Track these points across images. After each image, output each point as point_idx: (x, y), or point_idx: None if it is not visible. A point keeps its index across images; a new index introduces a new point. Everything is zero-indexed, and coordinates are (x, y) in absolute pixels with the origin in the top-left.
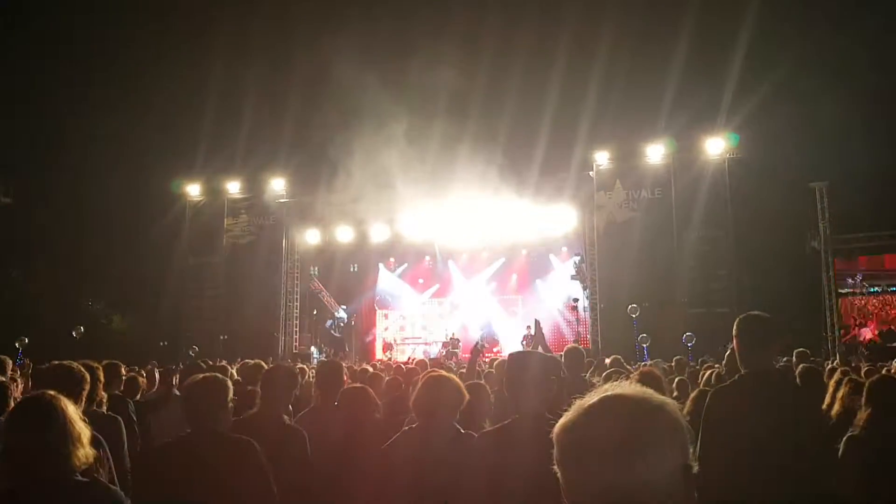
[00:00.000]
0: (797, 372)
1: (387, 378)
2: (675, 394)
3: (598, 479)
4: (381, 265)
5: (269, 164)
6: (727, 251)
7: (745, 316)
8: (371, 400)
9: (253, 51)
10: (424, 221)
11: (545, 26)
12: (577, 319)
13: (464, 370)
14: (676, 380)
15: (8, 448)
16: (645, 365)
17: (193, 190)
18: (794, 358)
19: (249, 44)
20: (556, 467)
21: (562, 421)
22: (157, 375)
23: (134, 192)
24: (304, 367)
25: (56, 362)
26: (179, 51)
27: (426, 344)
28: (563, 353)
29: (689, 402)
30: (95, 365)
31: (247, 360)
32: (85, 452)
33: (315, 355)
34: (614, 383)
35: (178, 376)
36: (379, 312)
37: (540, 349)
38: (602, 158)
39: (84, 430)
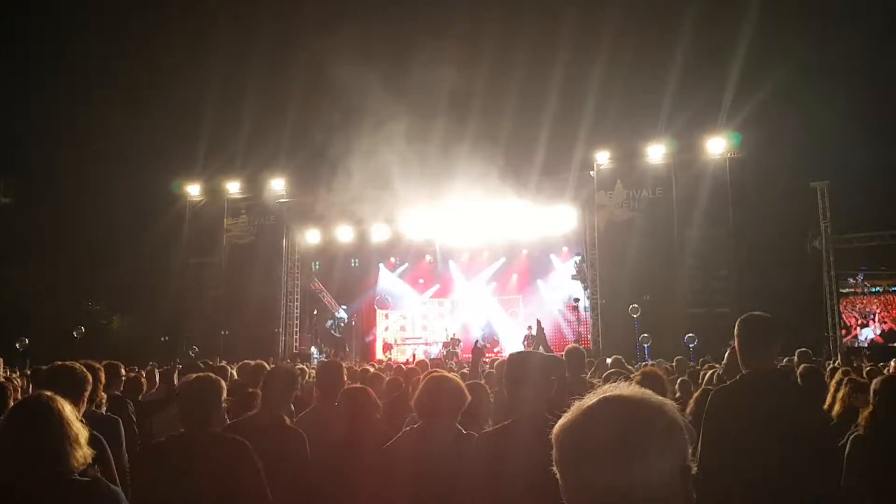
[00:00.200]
0: (798, 372)
1: (387, 378)
2: (677, 394)
3: (597, 480)
4: (381, 265)
5: (269, 164)
6: (728, 251)
7: (746, 316)
8: (371, 400)
9: (253, 51)
10: (425, 221)
11: (546, 26)
12: (578, 319)
13: (465, 370)
14: (679, 380)
15: (6, 449)
16: (646, 365)
17: (193, 190)
18: (795, 358)
19: (249, 44)
20: (554, 468)
21: (561, 422)
22: (157, 376)
23: (134, 193)
24: (305, 367)
25: (58, 363)
26: (180, 51)
27: (426, 344)
28: (563, 354)
29: (691, 403)
30: (96, 365)
31: (247, 361)
32: (83, 452)
33: (315, 355)
34: (613, 384)
35: (176, 376)
36: (379, 312)
37: (541, 349)
38: (603, 158)
39: (81, 431)
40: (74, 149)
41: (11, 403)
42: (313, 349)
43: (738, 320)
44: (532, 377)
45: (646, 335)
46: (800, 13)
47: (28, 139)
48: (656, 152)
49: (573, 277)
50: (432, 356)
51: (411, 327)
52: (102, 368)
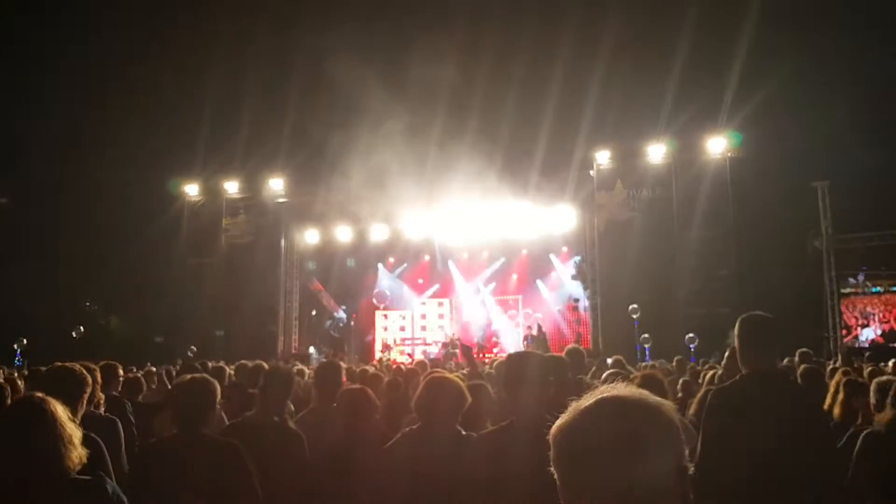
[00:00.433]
0: (799, 372)
1: (386, 379)
2: (679, 395)
3: (595, 480)
4: (380, 265)
5: (267, 164)
6: (728, 251)
7: (746, 316)
8: (370, 401)
9: (251, 50)
10: (424, 221)
11: (546, 25)
12: (578, 319)
13: (464, 371)
14: (681, 380)
15: (0, 450)
16: (646, 366)
17: (192, 190)
18: (796, 358)
19: (248, 43)
20: (552, 468)
21: (558, 422)
22: (155, 376)
23: (132, 193)
24: (304, 367)
25: (58, 364)
26: (178, 50)
27: (426, 344)
28: (563, 354)
29: (694, 404)
30: (93, 366)
31: (244, 361)
32: (78, 453)
33: (314, 355)
34: (611, 385)
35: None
36: (378, 313)
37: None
38: (603, 157)
39: (75, 431)
40: (74, 149)
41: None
42: (312, 349)
43: (739, 320)
44: (531, 378)
45: (646, 336)
46: (800, 13)
47: (28, 139)
48: (656, 152)
49: (573, 277)
50: (431, 356)
51: (410, 327)
52: (99, 369)
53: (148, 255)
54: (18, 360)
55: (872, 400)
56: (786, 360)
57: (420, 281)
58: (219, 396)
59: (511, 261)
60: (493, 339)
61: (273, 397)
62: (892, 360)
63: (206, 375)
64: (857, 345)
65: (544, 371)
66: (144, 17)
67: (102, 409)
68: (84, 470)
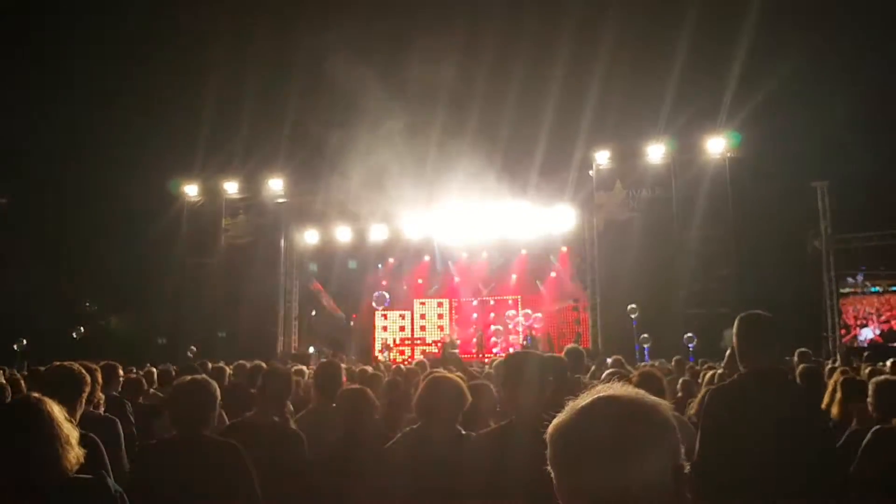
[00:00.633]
0: (798, 372)
1: (386, 379)
2: (678, 394)
3: (591, 479)
4: (379, 265)
5: (267, 164)
6: (728, 251)
7: (745, 315)
8: (369, 401)
9: (251, 51)
10: (423, 221)
11: (545, 25)
12: (577, 319)
13: (473, 369)
14: (681, 380)
15: None
16: (646, 365)
17: (191, 190)
18: (795, 358)
19: (247, 44)
20: (549, 468)
21: (555, 422)
22: (155, 377)
23: (132, 193)
24: (303, 367)
25: (57, 364)
26: (177, 51)
27: (425, 345)
28: (563, 354)
29: (695, 404)
30: (94, 366)
31: (242, 362)
32: (75, 453)
33: (314, 356)
34: (607, 384)
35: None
36: (378, 313)
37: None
38: (602, 158)
39: (72, 432)
40: (74, 149)
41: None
42: (312, 349)
43: (737, 319)
44: (530, 377)
45: (646, 335)
46: (800, 13)
47: (28, 139)
48: (656, 152)
49: (572, 278)
50: (431, 357)
51: (410, 328)
52: (99, 369)
53: (148, 255)
54: (18, 361)
55: (871, 400)
56: (785, 360)
57: (419, 281)
58: (219, 397)
59: (510, 261)
60: (493, 339)
61: (272, 397)
62: (891, 360)
63: (205, 376)
64: (856, 344)
65: (543, 371)
66: (145, 18)
67: (102, 410)
68: (83, 469)
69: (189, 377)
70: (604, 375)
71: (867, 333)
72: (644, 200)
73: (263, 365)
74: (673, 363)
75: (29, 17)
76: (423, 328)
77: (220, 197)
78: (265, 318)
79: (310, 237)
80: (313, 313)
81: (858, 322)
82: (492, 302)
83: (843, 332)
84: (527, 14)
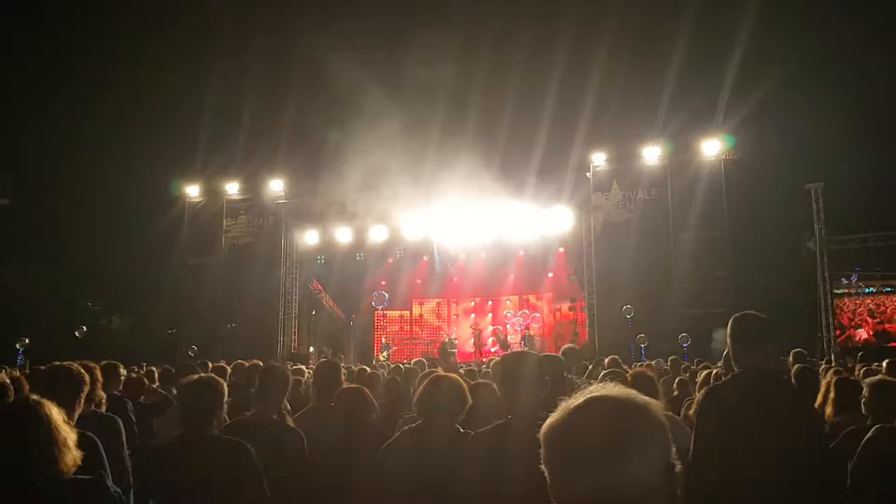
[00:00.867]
0: (792, 372)
1: (385, 378)
2: (675, 393)
3: (584, 478)
4: (379, 266)
5: (267, 165)
6: (723, 252)
7: (738, 315)
8: (367, 400)
9: (251, 52)
10: (423, 222)
11: (542, 28)
12: (575, 320)
13: (471, 367)
14: (677, 380)
15: None
16: (642, 365)
17: (192, 191)
18: (790, 358)
19: (248, 45)
20: (542, 466)
21: (548, 421)
22: (156, 376)
23: (133, 193)
24: (303, 367)
25: (56, 363)
26: (178, 51)
27: (424, 345)
28: (560, 354)
29: (694, 404)
30: (93, 365)
31: (241, 361)
32: (73, 456)
33: (314, 355)
34: (600, 384)
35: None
36: (377, 313)
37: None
38: (599, 159)
39: (70, 434)
40: (74, 149)
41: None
42: (312, 349)
43: (731, 320)
44: (526, 377)
45: (642, 335)
46: (794, 16)
47: (28, 139)
48: (652, 154)
49: (570, 278)
50: (430, 357)
51: (409, 328)
52: (100, 368)
53: (149, 255)
54: (20, 361)
55: (865, 400)
56: (780, 360)
57: (418, 282)
58: (226, 396)
59: (508, 262)
60: (491, 339)
61: (270, 396)
62: (886, 361)
63: (212, 375)
64: (850, 345)
65: (540, 370)
66: (145, 20)
67: (104, 409)
68: (82, 469)
69: (196, 376)
70: (601, 376)
71: (861, 334)
72: (640, 202)
73: (261, 364)
74: (669, 363)
75: (30, 17)
76: (421, 328)
77: (221, 197)
78: (265, 318)
79: (310, 238)
80: (313, 313)
81: (852, 323)
82: (490, 302)
83: (837, 332)
84: (524, 17)
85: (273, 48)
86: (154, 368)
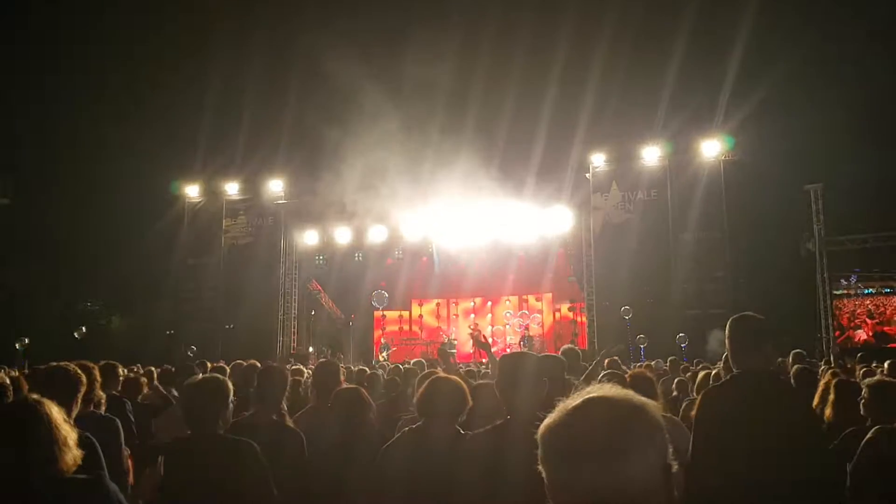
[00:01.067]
0: (791, 373)
1: (385, 379)
2: (674, 393)
3: (581, 478)
4: (379, 266)
5: (267, 165)
6: (722, 253)
7: (736, 317)
8: (364, 400)
9: (251, 53)
10: (422, 222)
11: (542, 29)
12: (574, 320)
13: (470, 368)
14: (676, 380)
15: None
16: (641, 366)
17: (192, 191)
18: (789, 359)
19: (248, 45)
20: (540, 467)
21: (546, 421)
22: (156, 376)
23: (133, 193)
24: (302, 367)
25: (53, 364)
26: (178, 52)
27: (424, 345)
28: (559, 355)
29: (696, 406)
30: (91, 365)
31: (239, 361)
32: (73, 455)
33: (314, 356)
34: (598, 385)
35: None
36: (377, 313)
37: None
38: (598, 160)
39: (70, 433)
40: (74, 149)
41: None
42: (311, 349)
43: (729, 321)
44: (525, 377)
45: (642, 336)
46: (794, 17)
47: (28, 139)
48: (651, 154)
49: (569, 279)
50: (429, 357)
51: (408, 328)
52: (98, 368)
53: (148, 255)
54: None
55: (865, 401)
56: (779, 361)
57: (418, 282)
58: (231, 395)
59: (508, 262)
60: (490, 339)
61: (269, 396)
62: (888, 362)
63: (217, 375)
64: (849, 346)
65: (538, 371)
66: (145, 19)
67: (103, 409)
68: (80, 470)
69: (201, 376)
70: (600, 377)
71: (860, 335)
72: (640, 202)
73: (258, 364)
74: (668, 363)
75: (30, 17)
76: (421, 328)
77: (221, 198)
78: (265, 319)
79: (310, 238)
80: (313, 313)
81: (852, 324)
82: (489, 303)
83: (836, 333)
84: (524, 16)
85: (273, 48)
86: (153, 368)
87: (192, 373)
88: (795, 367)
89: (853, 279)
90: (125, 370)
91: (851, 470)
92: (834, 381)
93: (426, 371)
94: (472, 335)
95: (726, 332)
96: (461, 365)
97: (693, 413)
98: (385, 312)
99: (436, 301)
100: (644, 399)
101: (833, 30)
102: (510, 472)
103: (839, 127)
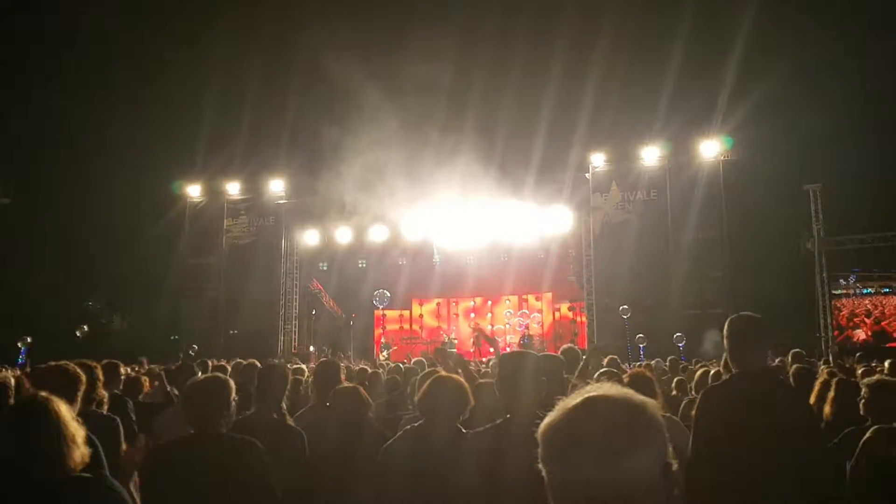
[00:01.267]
0: (790, 372)
1: (385, 378)
2: (674, 393)
3: (582, 477)
4: (379, 265)
5: (268, 165)
6: (722, 252)
7: (735, 316)
8: (363, 399)
9: (252, 52)
10: (423, 222)
11: (542, 30)
12: (573, 320)
13: (461, 370)
14: (676, 380)
15: (3, 451)
16: (640, 366)
17: (194, 191)
18: (788, 358)
19: (248, 45)
20: (540, 466)
21: (546, 420)
22: (157, 376)
23: (134, 193)
24: (302, 366)
25: (52, 363)
26: (179, 52)
27: (425, 344)
28: (559, 354)
29: (696, 407)
30: (92, 365)
31: (239, 360)
32: (81, 452)
33: (314, 355)
34: (597, 384)
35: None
36: (377, 313)
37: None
38: (598, 160)
39: (78, 431)
40: (74, 149)
41: (11, 402)
42: (312, 349)
43: (728, 321)
44: (524, 377)
45: (641, 335)
46: (793, 18)
47: (28, 139)
48: (651, 155)
49: (569, 278)
50: (429, 357)
51: (409, 328)
52: (100, 367)
53: (150, 255)
54: (21, 360)
55: (864, 400)
56: (777, 360)
57: (419, 282)
58: (233, 394)
59: (508, 262)
60: (490, 339)
61: (270, 395)
62: (888, 362)
63: (219, 374)
64: (848, 345)
65: (538, 370)
66: (145, 19)
67: (106, 408)
68: (83, 469)
69: (203, 375)
70: (595, 375)
71: (859, 334)
72: (639, 203)
73: (257, 363)
74: (668, 363)
75: (30, 17)
76: (421, 328)
77: (222, 198)
78: (266, 318)
79: (310, 238)
80: (314, 313)
81: (851, 323)
82: (489, 303)
83: (836, 333)
84: (524, 16)
85: (273, 48)
86: (155, 367)
87: (192, 372)
88: (794, 366)
89: (852, 279)
90: (127, 369)
91: (850, 470)
92: (835, 380)
93: (427, 370)
94: (474, 331)
95: (725, 331)
96: (472, 362)
97: (692, 412)
98: (385, 312)
99: (436, 301)
100: (644, 398)
101: (833, 30)
102: (511, 470)
103: (839, 127)
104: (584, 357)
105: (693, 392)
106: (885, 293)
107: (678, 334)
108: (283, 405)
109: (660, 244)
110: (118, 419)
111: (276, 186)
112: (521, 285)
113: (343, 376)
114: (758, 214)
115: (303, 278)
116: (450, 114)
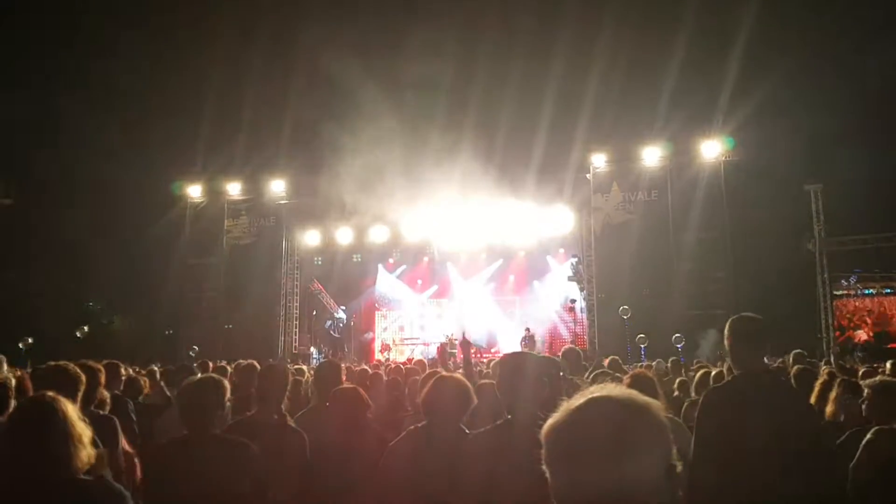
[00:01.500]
0: (792, 373)
1: (386, 378)
2: (675, 393)
3: (585, 477)
4: (380, 266)
5: (269, 166)
6: (723, 253)
7: (736, 317)
8: (362, 400)
9: (252, 52)
10: (423, 223)
11: (542, 29)
12: (574, 320)
13: (461, 370)
14: (677, 380)
15: (10, 450)
16: (642, 367)
17: (194, 191)
18: (790, 359)
19: (248, 45)
20: (544, 466)
21: (549, 421)
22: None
23: (135, 194)
24: (303, 367)
25: (52, 363)
26: (179, 52)
27: (425, 345)
28: (560, 354)
29: (697, 406)
30: (94, 365)
31: (239, 361)
32: (87, 453)
33: (315, 356)
34: (600, 385)
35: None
36: (378, 313)
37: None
38: (599, 161)
39: (85, 431)
40: (74, 149)
41: (12, 402)
42: (312, 349)
43: (729, 321)
44: (525, 377)
45: (642, 336)
46: (794, 18)
47: (28, 139)
48: (652, 155)
49: (570, 279)
50: (430, 357)
51: (409, 328)
52: (102, 368)
53: (150, 255)
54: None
55: (867, 401)
56: (779, 361)
57: (419, 282)
58: (228, 396)
59: (508, 262)
60: (491, 339)
61: (270, 396)
62: (889, 362)
63: (213, 375)
64: (849, 346)
65: (539, 371)
66: (145, 19)
67: (107, 408)
68: (93, 468)
69: (198, 376)
70: (593, 375)
71: (861, 335)
72: (640, 203)
73: (256, 364)
74: (669, 364)
75: (30, 17)
76: (422, 328)
77: (223, 198)
78: (266, 318)
79: (311, 238)
80: (314, 313)
81: (852, 324)
82: (490, 303)
83: (837, 333)
84: (524, 16)
85: (273, 48)
86: (155, 368)
87: (192, 373)
88: (796, 367)
89: (853, 279)
90: (127, 369)
91: (852, 470)
92: (838, 380)
93: (430, 371)
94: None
95: (726, 332)
96: (479, 364)
97: (695, 413)
98: (386, 312)
99: (436, 301)
100: (648, 399)
101: (833, 30)
102: (513, 471)
103: (839, 127)
104: (583, 359)
105: (694, 393)
106: (887, 294)
107: (677, 335)
108: (284, 406)
109: (661, 245)
110: (116, 419)
111: (277, 187)
112: (521, 285)
113: (343, 377)
114: (759, 215)
115: (303, 279)
116: (450, 113)
